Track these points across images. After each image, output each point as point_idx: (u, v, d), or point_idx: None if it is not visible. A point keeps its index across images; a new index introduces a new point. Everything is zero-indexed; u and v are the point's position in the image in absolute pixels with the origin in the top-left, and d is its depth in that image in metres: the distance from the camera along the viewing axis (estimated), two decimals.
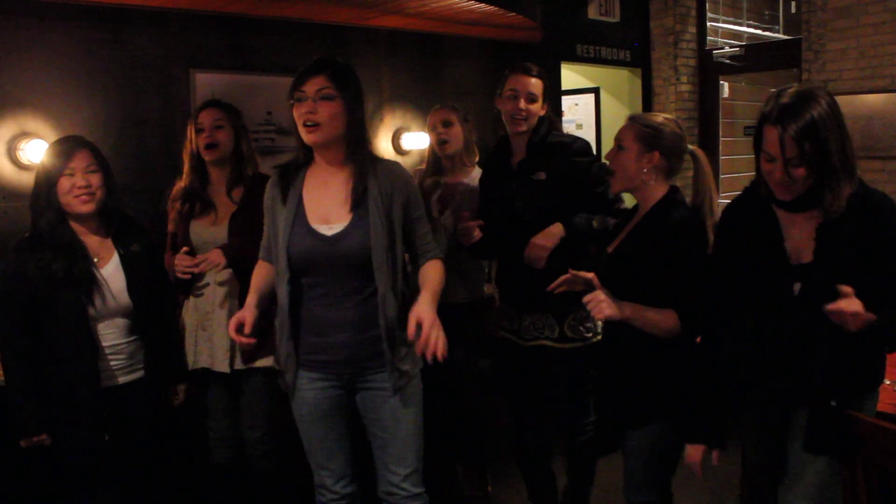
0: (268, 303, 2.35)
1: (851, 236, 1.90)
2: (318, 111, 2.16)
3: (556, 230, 2.73)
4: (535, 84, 2.84)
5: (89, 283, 2.41)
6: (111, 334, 2.49)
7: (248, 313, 2.22)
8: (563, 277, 2.42)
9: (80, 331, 2.40)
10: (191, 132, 2.83)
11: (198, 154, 2.82)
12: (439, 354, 2.05)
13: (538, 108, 2.85)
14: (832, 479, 1.96)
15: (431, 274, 2.30)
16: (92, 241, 2.49)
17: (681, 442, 2.26)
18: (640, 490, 2.32)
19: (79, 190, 2.40)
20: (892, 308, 1.86)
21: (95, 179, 2.44)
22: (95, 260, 2.47)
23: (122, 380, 2.51)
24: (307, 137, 2.19)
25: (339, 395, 2.31)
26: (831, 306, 1.80)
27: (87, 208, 2.43)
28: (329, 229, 2.20)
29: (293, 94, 2.20)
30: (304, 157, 2.30)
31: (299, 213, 2.24)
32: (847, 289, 1.79)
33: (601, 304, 2.13)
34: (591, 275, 2.42)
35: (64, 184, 2.40)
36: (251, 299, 2.30)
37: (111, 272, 2.49)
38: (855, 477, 1.84)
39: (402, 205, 2.26)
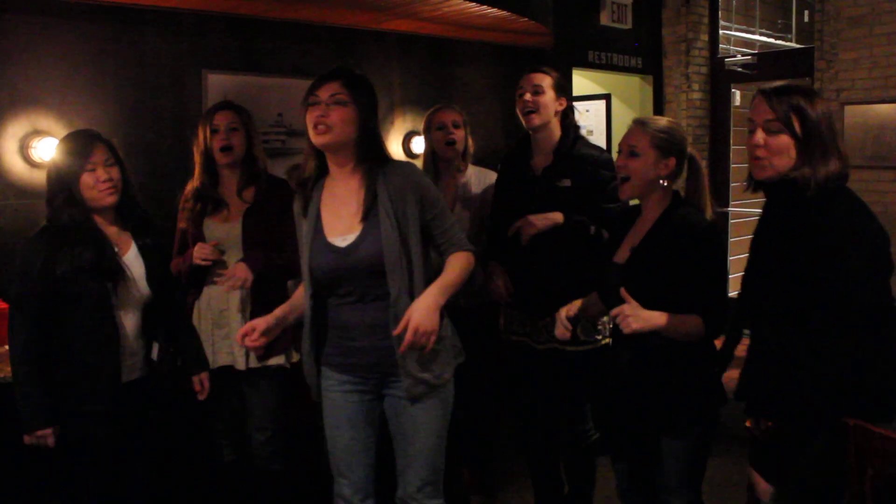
0: (295, 314, 2.38)
1: (783, 237, 1.90)
2: (330, 115, 2.16)
3: (555, 216, 2.75)
4: (540, 77, 2.87)
5: (116, 272, 2.44)
6: (128, 326, 2.49)
7: (262, 321, 2.27)
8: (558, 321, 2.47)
9: (104, 319, 2.42)
10: (204, 132, 2.84)
11: (210, 154, 2.84)
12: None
13: (548, 101, 2.85)
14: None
15: (449, 266, 2.26)
16: (111, 232, 2.51)
17: (712, 441, 2.29)
18: (680, 492, 2.31)
19: (103, 184, 2.42)
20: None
21: (115, 172, 2.46)
22: (116, 249, 2.49)
23: (134, 376, 2.51)
24: (316, 139, 2.18)
25: (367, 399, 2.29)
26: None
27: (112, 200, 2.45)
28: (343, 241, 2.21)
29: (307, 99, 2.20)
30: (318, 169, 2.29)
31: (318, 228, 2.25)
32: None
33: (628, 319, 2.11)
34: (578, 303, 2.50)
35: (87, 179, 2.41)
36: (278, 310, 2.34)
37: (131, 260, 2.51)
38: (863, 487, 1.82)
39: (416, 204, 2.22)
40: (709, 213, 2.30)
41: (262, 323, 2.26)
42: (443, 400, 2.28)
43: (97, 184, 2.41)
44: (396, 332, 2.09)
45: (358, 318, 2.22)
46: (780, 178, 1.94)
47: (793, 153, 1.90)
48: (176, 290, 2.73)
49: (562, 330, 2.47)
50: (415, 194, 2.23)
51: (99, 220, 2.49)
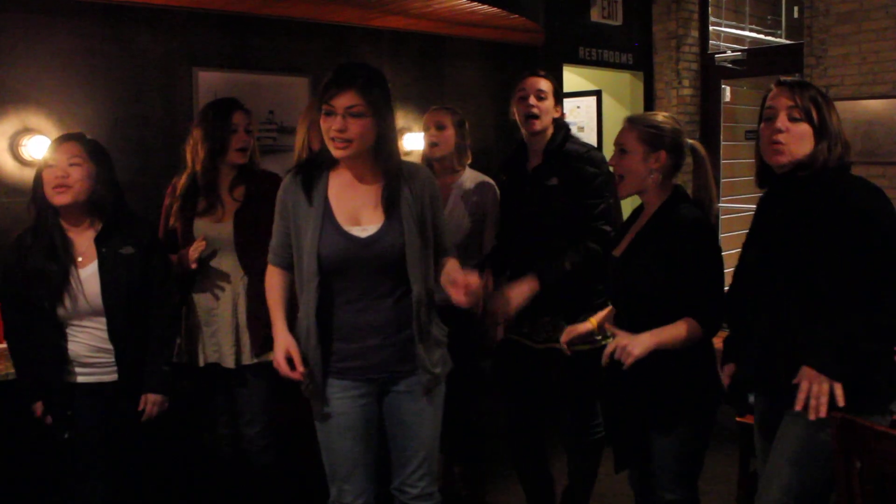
0: (291, 313, 2.30)
1: (806, 216, 1.98)
2: (349, 129, 2.11)
3: (528, 287, 2.73)
4: (543, 82, 2.87)
5: (61, 283, 2.39)
6: (84, 334, 2.46)
7: (292, 346, 2.18)
8: (563, 341, 2.57)
9: (52, 326, 2.41)
10: (217, 128, 2.78)
11: (219, 151, 2.79)
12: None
13: (549, 107, 2.87)
14: (811, 442, 1.98)
15: (451, 261, 2.36)
16: (81, 240, 2.47)
17: (706, 440, 2.31)
18: (673, 487, 2.32)
19: (55, 180, 2.37)
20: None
21: (76, 172, 2.40)
22: (79, 259, 2.45)
23: (86, 379, 2.48)
24: (335, 153, 2.15)
25: (369, 403, 2.27)
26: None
27: (59, 200, 2.39)
28: (362, 231, 2.18)
29: (321, 106, 2.15)
30: (329, 160, 2.23)
31: (327, 215, 2.19)
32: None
33: (627, 349, 2.13)
34: (589, 325, 2.54)
35: (46, 176, 2.40)
36: (281, 323, 2.24)
37: (89, 274, 2.45)
38: (850, 481, 1.84)
39: (431, 207, 2.27)
40: (714, 205, 2.32)
41: (294, 350, 2.17)
42: (442, 393, 2.33)
43: (51, 180, 2.38)
44: (460, 284, 2.11)
45: (366, 317, 2.19)
46: (791, 166, 2.01)
47: (811, 142, 1.99)
48: (161, 297, 2.61)
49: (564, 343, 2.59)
50: (429, 196, 2.26)
51: (68, 225, 2.46)
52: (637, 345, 2.12)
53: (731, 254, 2.48)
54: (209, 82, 3.79)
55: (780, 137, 2.00)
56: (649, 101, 6.28)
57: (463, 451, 3.45)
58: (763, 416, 2.20)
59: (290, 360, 2.17)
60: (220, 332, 2.79)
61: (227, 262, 2.81)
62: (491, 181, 3.22)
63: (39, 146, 3.25)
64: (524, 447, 3.08)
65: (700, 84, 6.28)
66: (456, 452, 3.47)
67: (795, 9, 6.63)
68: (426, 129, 3.26)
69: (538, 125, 2.85)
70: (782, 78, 2.07)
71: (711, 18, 6.33)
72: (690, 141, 2.35)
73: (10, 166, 3.30)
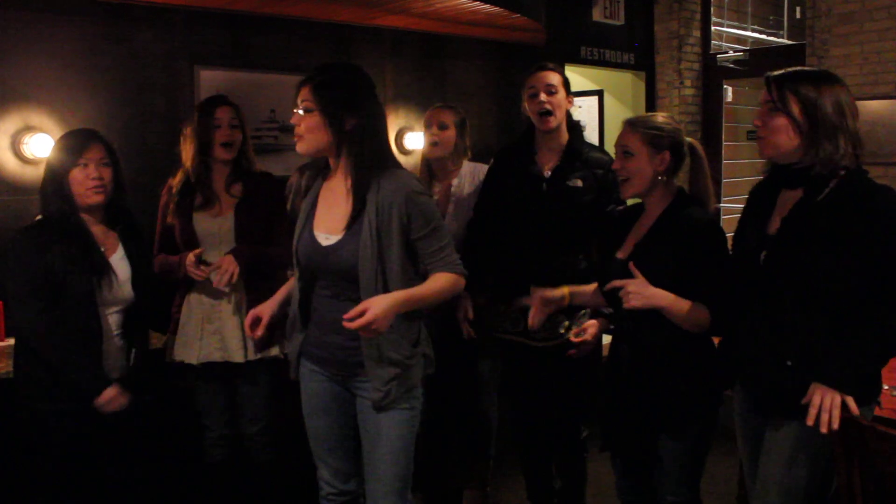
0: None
1: (827, 216, 1.91)
2: (301, 123, 2.20)
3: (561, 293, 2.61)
4: (552, 76, 2.86)
5: (102, 268, 2.46)
6: (110, 325, 2.51)
7: (267, 309, 2.40)
8: (534, 306, 2.51)
9: (89, 315, 2.44)
10: (204, 125, 2.80)
11: (207, 148, 2.81)
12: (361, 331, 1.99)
13: (561, 100, 2.86)
14: (808, 443, 1.97)
15: (428, 281, 2.19)
16: (98, 231, 2.52)
17: (711, 439, 2.31)
18: (677, 489, 2.33)
19: (91, 181, 2.43)
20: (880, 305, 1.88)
21: (107, 173, 2.48)
22: (103, 249, 2.50)
23: (114, 375, 2.51)
24: (296, 147, 2.25)
25: (340, 391, 2.30)
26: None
27: (97, 199, 2.46)
28: (326, 239, 2.22)
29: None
30: (325, 161, 2.29)
31: (309, 217, 2.28)
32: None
33: (630, 295, 2.14)
34: (561, 292, 2.50)
35: (77, 175, 2.43)
36: (280, 294, 2.44)
37: (117, 262, 2.53)
38: (851, 480, 1.84)
39: (401, 223, 2.15)
40: (711, 202, 2.32)
41: (267, 310, 2.38)
42: (410, 409, 2.23)
43: (86, 180, 2.43)
44: (348, 315, 1.99)
45: (332, 314, 2.21)
46: (785, 159, 1.99)
47: (791, 133, 1.96)
48: (154, 295, 2.69)
49: (535, 312, 2.54)
50: (401, 211, 2.14)
51: (86, 217, 2.50)
52: (641, 297, 2.14)
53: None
54: (211, 81, 3.80)
55: (761, 132, 2.01)
56: (651, 101, 6.28)
57: (468, 449, 3.46)
58: (745, 420, 2.19)
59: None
60: (225, 328, 2.79)
61: None
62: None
63: (41, 144, 3.25)
64: (532, 444, 3.09)
65: (702, 84, 6.27)
66: (461, 449, 3.48)
67: (798, 9, 6.62)
68: (428, 127, 3.25)
69: (553, 122, 2.83)
70: (768, 73, 2.05)
71: (713, 18, 6.32)
72: (688, 139, 2.35)
73: (12, 164, 3.30)
